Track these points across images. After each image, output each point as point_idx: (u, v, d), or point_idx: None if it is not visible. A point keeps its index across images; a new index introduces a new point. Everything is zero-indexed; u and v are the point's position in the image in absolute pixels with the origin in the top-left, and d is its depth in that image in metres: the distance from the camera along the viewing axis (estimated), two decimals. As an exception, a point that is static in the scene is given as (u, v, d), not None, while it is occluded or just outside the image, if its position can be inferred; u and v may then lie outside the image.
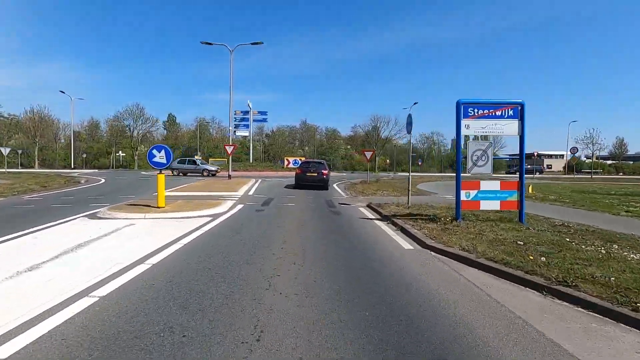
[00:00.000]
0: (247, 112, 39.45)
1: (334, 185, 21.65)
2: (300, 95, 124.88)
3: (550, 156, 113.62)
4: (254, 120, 39.92)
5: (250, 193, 15.91)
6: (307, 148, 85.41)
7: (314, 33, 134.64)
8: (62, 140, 72.13)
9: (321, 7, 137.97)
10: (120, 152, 68.69)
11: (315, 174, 17.94)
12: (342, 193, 17.60)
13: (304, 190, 17.88)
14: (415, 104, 48.25)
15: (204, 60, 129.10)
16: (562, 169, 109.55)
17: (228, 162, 24.97)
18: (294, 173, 21.74)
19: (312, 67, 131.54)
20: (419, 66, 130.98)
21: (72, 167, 44.88)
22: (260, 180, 24.27)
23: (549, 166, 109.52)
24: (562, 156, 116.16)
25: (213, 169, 32.41)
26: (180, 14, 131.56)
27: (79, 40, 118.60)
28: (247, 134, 40.77)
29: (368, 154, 23.26)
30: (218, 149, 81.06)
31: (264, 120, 39.94)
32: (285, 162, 36.61)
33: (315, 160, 24.39)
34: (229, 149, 23.47)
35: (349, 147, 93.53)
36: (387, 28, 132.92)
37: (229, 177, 24.26)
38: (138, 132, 67.70)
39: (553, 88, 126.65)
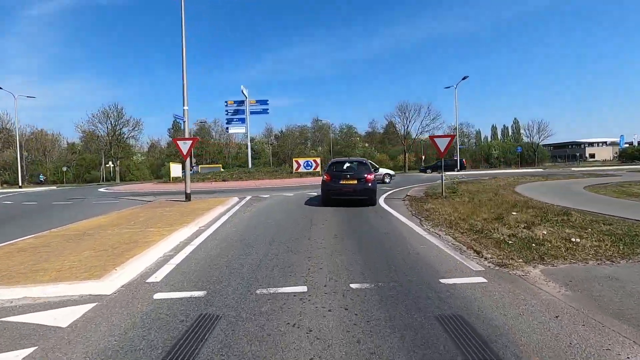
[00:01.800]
0: (241, 103, 29.03)
1: (383, 203, 11.23)
2: (313, 98, 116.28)
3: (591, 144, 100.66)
4: (251, 113, 29.56)
5: (177, 262, 5.06)
6: (320, 148, 74.66)
7: (323, 34, 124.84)
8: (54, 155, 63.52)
9: (329, 8, 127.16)
10: (111, 162, 59.50)
11: (355, 181, 10.17)
12: (420, 230, 7.11)
13: (337, 213, 9.61)
14: (464, 78, 33.14)
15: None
16: (609, 158, 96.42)
17: (184, 170, 13.81)
18: (305, 180, 11.69)
19: (323, 68, 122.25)
20: (434, 60, 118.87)
21: (20, 183, 34.24)
22: (249, 197, 13.78)
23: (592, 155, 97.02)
24: (605, 143, 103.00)
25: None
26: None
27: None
28: (243, 130, 30.26)
29: (443, 143, 12.24)
30: (222, 155, 71.30)
31: (265, 111, 29.61)
32: (295, 166, 25.71)
33: (352, 159, 13.19)
34: (184, 147, 12.27)
35: (366, 144, 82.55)
36: (399, 25, 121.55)
37: (187, 197, 13.29)
38: (117, 137, 56.68)
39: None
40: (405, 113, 46.92)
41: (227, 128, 29.56)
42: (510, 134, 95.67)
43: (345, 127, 76.63)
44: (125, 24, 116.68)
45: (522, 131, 73.06)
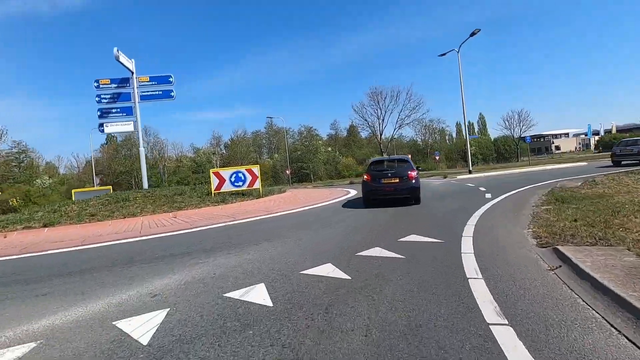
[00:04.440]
0: (125, 82, 16.96)
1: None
2: (275, 107, 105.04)
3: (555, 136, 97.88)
4: (144, 98, 17.84)
5: None
6: (277, 155, 63.02)
7: (282, 43, 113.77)
8: None
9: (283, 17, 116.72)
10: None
11: (397, 180, 9.19)
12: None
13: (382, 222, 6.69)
14: (475, 32, 18.89)
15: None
16: (574, 149, 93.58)
17: None
18: (227, 211, 10.13)
19: (283, 77, 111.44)
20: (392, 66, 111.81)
21: None
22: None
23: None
24: (567, 135, 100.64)
25: None
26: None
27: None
28: (129, 127, 18.16)
29: None
30: (155, 171, 57.24)
31: (167, 95, 18.08)
32: (215, 183, 13.66)
33: (392, 157, 12.14)
34: None
35: (330, 149, 72.03)
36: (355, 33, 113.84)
37: None
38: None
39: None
40: (379, 102, 36.33)
41: (100, 127, 16.99)
42: (476, 129, 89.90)
43: (304, 129, 65.41)
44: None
45: (501, 123, 65.71)
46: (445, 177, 20.42)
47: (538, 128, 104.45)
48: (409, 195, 9.21)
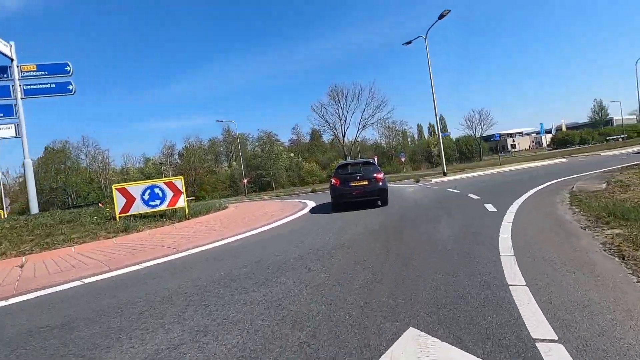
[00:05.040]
0: (1, 72, 13.07)
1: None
2: (237, 113, 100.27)
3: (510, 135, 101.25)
4: (29, 92, 13.91)
5: None
6: (234, 163, 58.67)
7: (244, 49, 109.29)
8: None
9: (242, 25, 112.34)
10: None
11: (366, 182, 9.25)
12: None
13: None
14: (445, 14, 15.55)
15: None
16: (528, 147, 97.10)
17: None
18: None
19: (244, 83, 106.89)
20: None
21: None
22: None
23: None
24: (521, 134, 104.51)
25: None
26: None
27: None
28: (10, 133, 14.14)
29: None
30: (93, 186, 50.81)
31: (65, 89, 14.20)
32: (120, 203, 9.79)
33: (357, 160, 12.89)
34: None
35: (292, 154, 68.86)
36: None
37: None
38: None
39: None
40: (340, 101, 33.57)
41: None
42: (436, 131, 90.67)
43: (264, 135, 61.62)
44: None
45: (463, 122, 65.74)
46: (417, 182, 17.88)
47: (493, 128, 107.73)
48: (379, 197, 9.32)
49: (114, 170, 53.31)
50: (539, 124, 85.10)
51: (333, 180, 9.83)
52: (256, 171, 52.18)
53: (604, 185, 7.46)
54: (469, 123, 58.71)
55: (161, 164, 52.01)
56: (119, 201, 9.84)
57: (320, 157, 62.74)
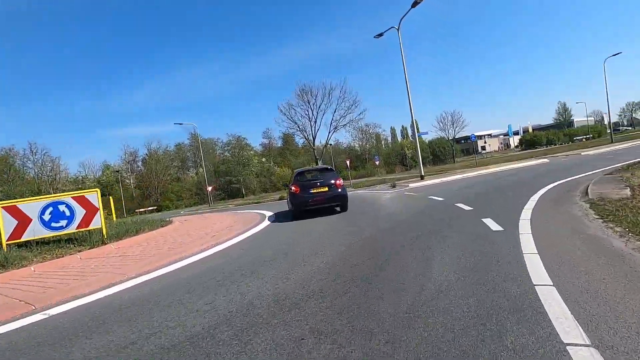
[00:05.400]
0: None
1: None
2: (206, 121, 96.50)
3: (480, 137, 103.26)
4: None
5: None
6: (201, 170, 55.46)
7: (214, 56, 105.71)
8: None
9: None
10: None
11: (326, 189, 9.18)
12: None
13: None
14: (418, 1, 14.12)
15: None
16: (497, 149, 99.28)
17: None
18: None
19: (216, 88, 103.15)
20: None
21: None
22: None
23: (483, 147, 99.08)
24: (489, 135, 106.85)
25: None
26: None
27: None
28: None
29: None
30: (43, 195, 46.30)
31: None
32: (11, 226, 7.19)
33: (316, 167, 12.79)
34: None
35: (263, 159, 66.40)
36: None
37: None
38: None
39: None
40: (309, 101, 31.51)
41: None
42: (409, 134, 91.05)
43: (232, 139, 58.73)
44: None
45: (435, 124, 65.62)
46: (394, 187, 16.18)
47: (465, 130, 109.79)
48: (339, 203, 9.39)
49: (68, 180, 48.79)
50: (507, 125, 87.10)
51: (292, 188, 9.42)
52: (225, 177, 49.31)
53: (627, 192, 5.89)
54: (441, 125, 58.58)
55: (117, 171, 48.01)
56: (7, 224, 7.37)
57: (292, 162, 60.61)
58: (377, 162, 39.76)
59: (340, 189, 9.31)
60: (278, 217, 10.62)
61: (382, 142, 74.46)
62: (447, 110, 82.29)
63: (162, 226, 11.29)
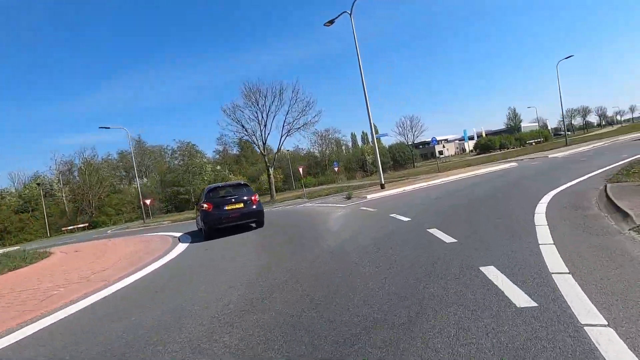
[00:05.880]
0: None
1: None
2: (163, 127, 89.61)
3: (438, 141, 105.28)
4: None
5: None
6: (145, 179, 50.20)
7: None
8: None
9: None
10: None
11: (242, 205, 8.93)
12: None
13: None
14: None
15: None
16: (454, 153, 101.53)
17: None
18: None
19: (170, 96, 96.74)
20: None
21: None
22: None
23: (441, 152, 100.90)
24: (446, 140, 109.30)
25: None
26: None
27: None
28: None
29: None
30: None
31: None
32: None
33: (229, 183, 11.86)
34: None
35: (218, 167, 62.09)
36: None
37: None
38: None
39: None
40: (258, 102, 28.03)
41: None
42: (370, 139, 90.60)
43: (182, 144, 53.88)
44: None
45: (395, 130, 64.77)
46: (349, 198, 13.60)
47: (424, 135, 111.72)
48: (256, 219, 9.22)
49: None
50: (463, 130, 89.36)
51: (205, 205, 8.87)
52: (171, 188, 44.63)
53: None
54: (400, 130, 57.88)
55: (39, 184, 41.71)
56: None
57: (249, 170, 57.00)
58: (336, 169, 37.49)
59: (255, 205, 9.09)
60: (193, 242, 8.16)
61: (343, 147, 72.66)
62: (406, 115, 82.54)
63: (31, 264, 7.90)
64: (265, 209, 14.81)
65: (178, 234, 11.26)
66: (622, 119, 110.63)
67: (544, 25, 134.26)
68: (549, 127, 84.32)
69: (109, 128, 28.49)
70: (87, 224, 38.72)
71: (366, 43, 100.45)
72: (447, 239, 4.75)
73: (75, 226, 37.50)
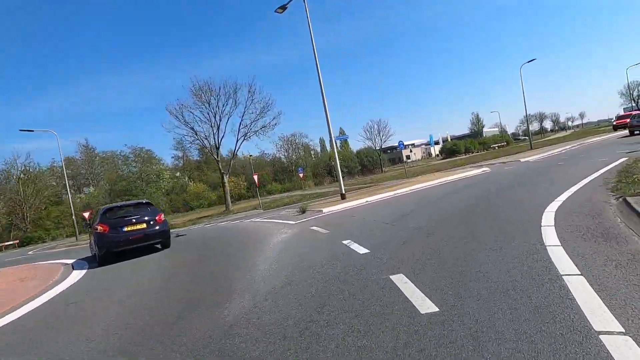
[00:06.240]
0: None
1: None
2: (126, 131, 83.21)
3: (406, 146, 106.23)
4: None
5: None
6: (92, 188, 45.61)
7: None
8: None
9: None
10: None
11: (145, 225, 8.18)
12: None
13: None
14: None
15: None
16: (421, 157, 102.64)
17: None
18: None
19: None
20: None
21: None
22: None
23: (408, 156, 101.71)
24: (413, 145, 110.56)
25: None
26: None
27: None
28: None
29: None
30: None
31: None
32: None
33: (129, 202, 9.83)
34: None
35: (178, 174, 58.25)
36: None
37: None
38: None
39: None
40: (208, 102, 25.10)
41: None
42: (339, 143, 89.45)
43: (136, 150, 49.63)
44: None
45: (362, 134, 63.79)
46: (303, 212, 11.54)
47: (391, 139, 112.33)
48: (161, 240, 8.62)
49: None
50: (429, 135, 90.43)
51: (99, 228, 7.98)
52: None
53: None
54: (368, 134, 56.88)
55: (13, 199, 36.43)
56: None
57: (210, 177, 53.65)
58: (301, 175, 35.33)
59: (160, 224, 8.45)
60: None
61: (312, 152, 70.79)
62: (373, 119, 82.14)
63: None
64: (204, 225, 12.93)
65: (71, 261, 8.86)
66: (573, 124, 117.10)
67: (507, 29, 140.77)
68: (508, 132, 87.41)
69: (32, 131, 24.51)
70: (17, 241, 34.02)
71: (341, 45, 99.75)
72: (423, 301, 2.77)
73: (2, 244, 32.80)
